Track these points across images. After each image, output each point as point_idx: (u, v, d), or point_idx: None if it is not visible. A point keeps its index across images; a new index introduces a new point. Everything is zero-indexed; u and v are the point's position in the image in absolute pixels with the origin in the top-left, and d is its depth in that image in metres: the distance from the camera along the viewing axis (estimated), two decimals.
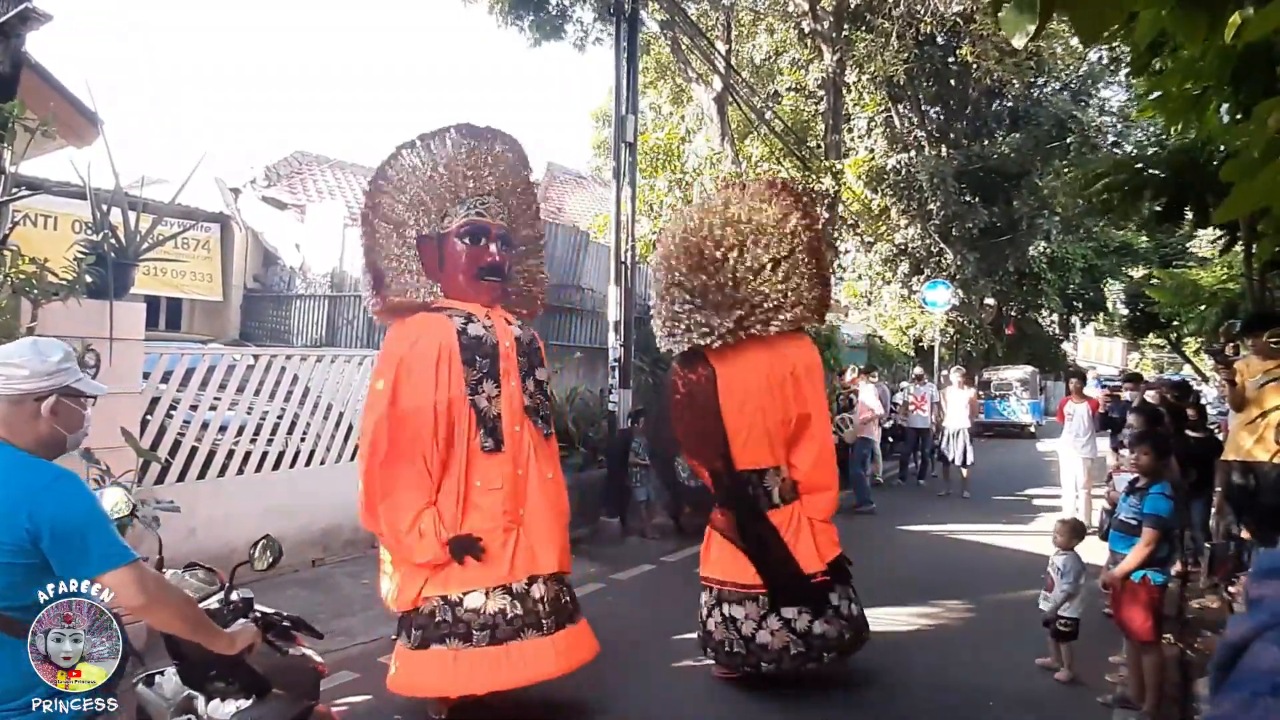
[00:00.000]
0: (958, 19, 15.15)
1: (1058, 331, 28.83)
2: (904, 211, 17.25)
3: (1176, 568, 4.54)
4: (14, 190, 4.79)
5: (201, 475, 5.43)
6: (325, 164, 15.50)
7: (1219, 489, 5.48)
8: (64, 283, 4.23)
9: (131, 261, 4.70)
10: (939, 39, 16.37)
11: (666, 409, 5.40)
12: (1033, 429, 20.79)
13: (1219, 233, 8.66)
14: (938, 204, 16.59)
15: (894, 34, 14.79)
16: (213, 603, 2.32)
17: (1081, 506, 8.77)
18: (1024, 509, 10.24)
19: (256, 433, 5.86)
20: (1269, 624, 0.87)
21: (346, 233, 11.98)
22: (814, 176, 14.08)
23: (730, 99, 13.71)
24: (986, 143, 18.42)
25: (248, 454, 5.75)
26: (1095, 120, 18.29)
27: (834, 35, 14.45)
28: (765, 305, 4.19)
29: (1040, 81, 18.82)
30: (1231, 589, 2.89)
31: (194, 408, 5.42)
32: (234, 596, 2.40)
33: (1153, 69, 5.06)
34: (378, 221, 3.68)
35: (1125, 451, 4.95)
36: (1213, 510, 5.90)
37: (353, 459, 6.50)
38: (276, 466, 5.93)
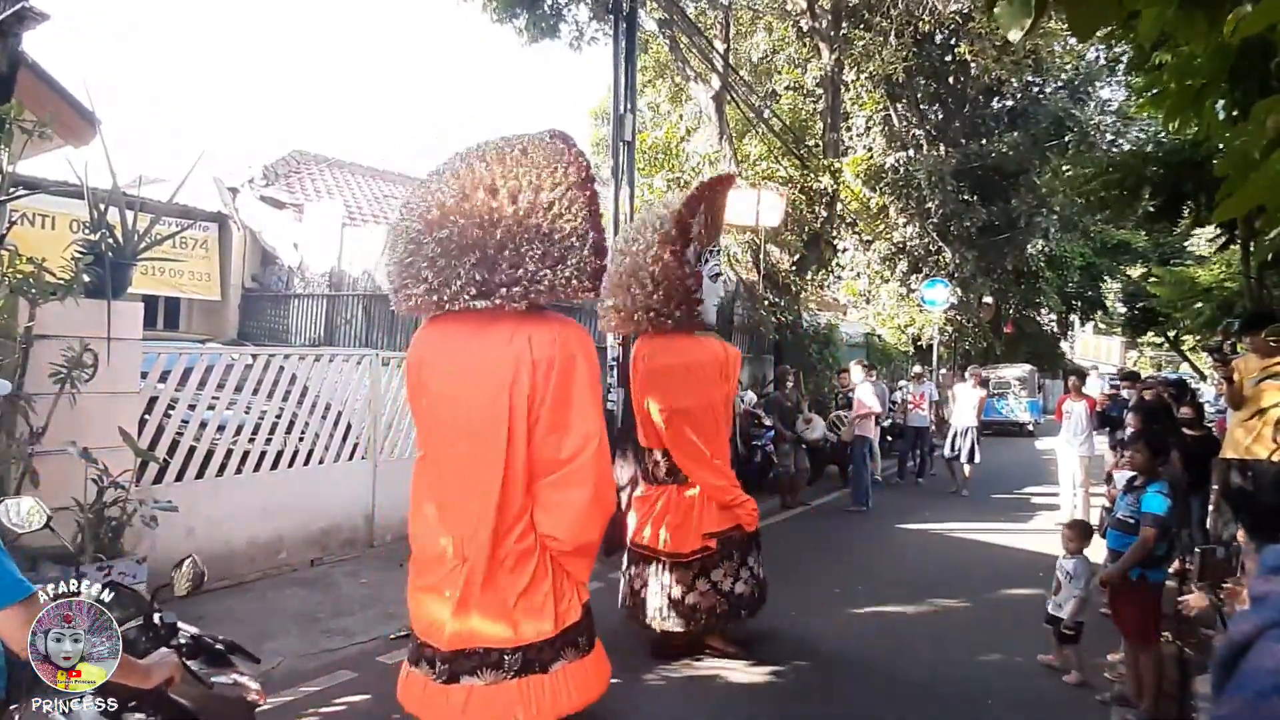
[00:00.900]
0: (956, 17, 15.15)
1: (1056, 330, 28.85)
2: (902, 210, 17.25)
3: (1174, 566, 4.54)
4: (11, 190, 4.78)
5: (200, 475, 5.42)
6: (323, 163, 15.50)
7: (1216, 487, 5.49)
8: (62, 282, 4.23)
9: (129, 261, 4.70)
10: (937, 37, 16.38)
11: None
12: (1031, 427, 20.82)
13: (1217, 231, 8.68)
14: (936, 202, 16.59)
15: (892, 32, 14.79)
16: (130, 629, 2.10)
17: (1079, 504, 8.78)
18: (1022, 507, 10.25)
19: (255, 432, 5.85)
20: (1274, 621, 0.86)
21: (345, 232, 11.98)
22: (812, 175, 14.07)
23: (728, 98, 13.69)
24: (985, 141, 18.41)
25: (246, 453, 5.74)
26: (1094, 119, 18.30)
27: (832, 34, 14.44)
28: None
29: (1038, 80, 18.81)
30: (1222, 593, 2.89)
31: (192, 407, 5.41)
32: (156, 620, 2.19)
33: (1151, 65, 5.07)
34: None
35: (1125, 450, 4.96)
36: (1210, 508, 5.92)
37: (351, 458, 6.51)
38: (275, 466, 5.92)
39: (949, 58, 16.98)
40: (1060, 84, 18.97)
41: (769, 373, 13.86)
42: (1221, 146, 4.63)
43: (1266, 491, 4.78)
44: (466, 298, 2.92)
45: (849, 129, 17.24)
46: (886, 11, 14.74)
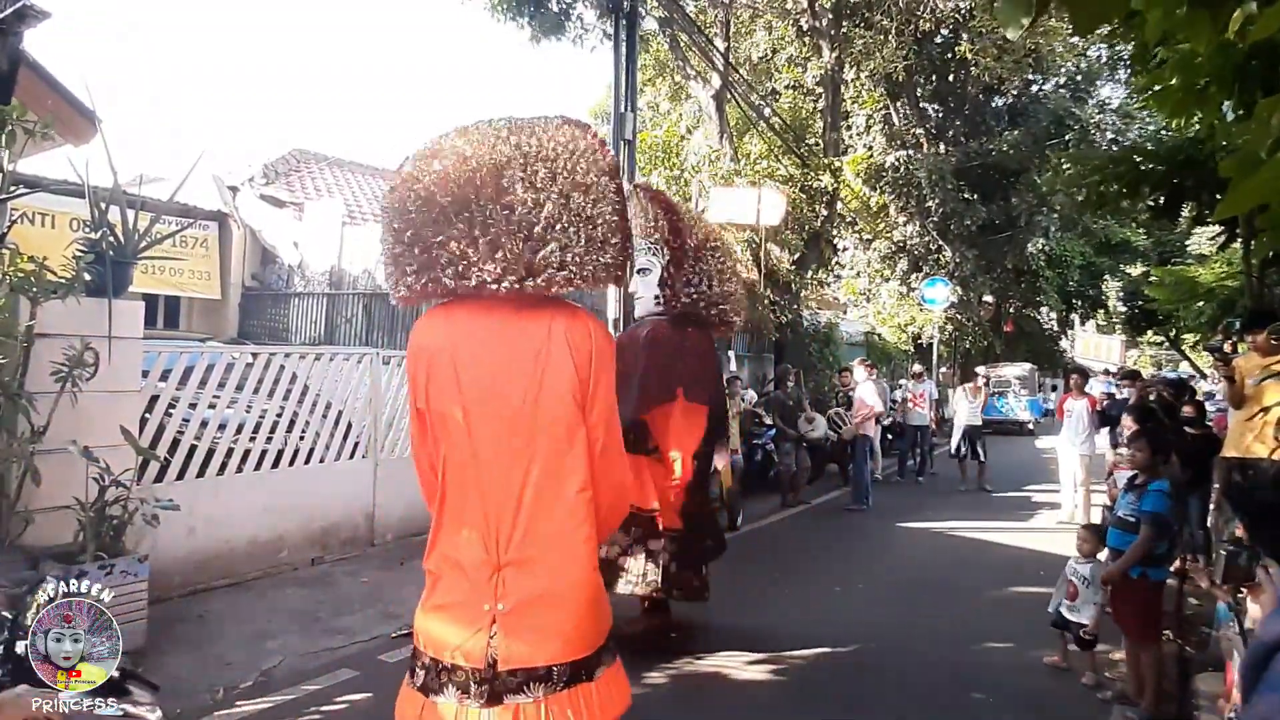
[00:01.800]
0: (956, 16, 15.14)
1: (1056, 329, 28.86)
2: (902, 209, 17.26)
3: (1175, 565, 4.54)
4: (12, 189, 4.78)
5: (201, 473, 5.42)
6: (323, 162, 15.49)
7: (1217, 485, 5.50)
8: (63, 281, 4.22)
9: (130, 260, 4.69)
10: (938, 36, 16.37)
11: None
12: (1031, 426, 20.83)
13: (1217, 229, 8.67)
14: (936, 201, 16.60)
15: (892, 31, 14.78)
16: None
17: (1080, 504, 8.79)
18: (1023, 506, 10.25)
19: (256, 431, 5.85)
20: None
21: (345, 231, 11.98)
22: (813, 174, 14.07)
23: (729, 96, 13.69)
24: (985, 140, 18.41)
25: (247, 452, 5.74)
26: (1094, 117, 18.31)
27: (832, 32, 14.44)
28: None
29: (1039, 78, 18.82)
30: (1240, 595, 2.89)
31: (193, 406, 5.41)
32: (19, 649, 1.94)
33: (1152, 62, 5.06)
34: None
35: (1123, 449, 4.96)
36: (1211, 506, 5.92)
37: (352, 457, 6.51)
38: (276, 465, 5.92)
39: (949, 56, 16.98)
40: (1061, 82, 18.98)
41: (769, 371, 13.87)
42: (1225, 144, 4.63)
43: (1266, 490, 4.78)
44: (510, 280, 2.61)
45: (849, 128, 17.24)
46: (887, 10, 14.74)
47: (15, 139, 4.12)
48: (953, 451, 11.53)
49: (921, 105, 18.85)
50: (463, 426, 2.77)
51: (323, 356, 6.56)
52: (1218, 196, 5.32)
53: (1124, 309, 28.82)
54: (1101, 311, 29.87)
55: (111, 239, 4.54)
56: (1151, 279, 18.28)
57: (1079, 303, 27.50)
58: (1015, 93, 18.84)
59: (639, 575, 4.58)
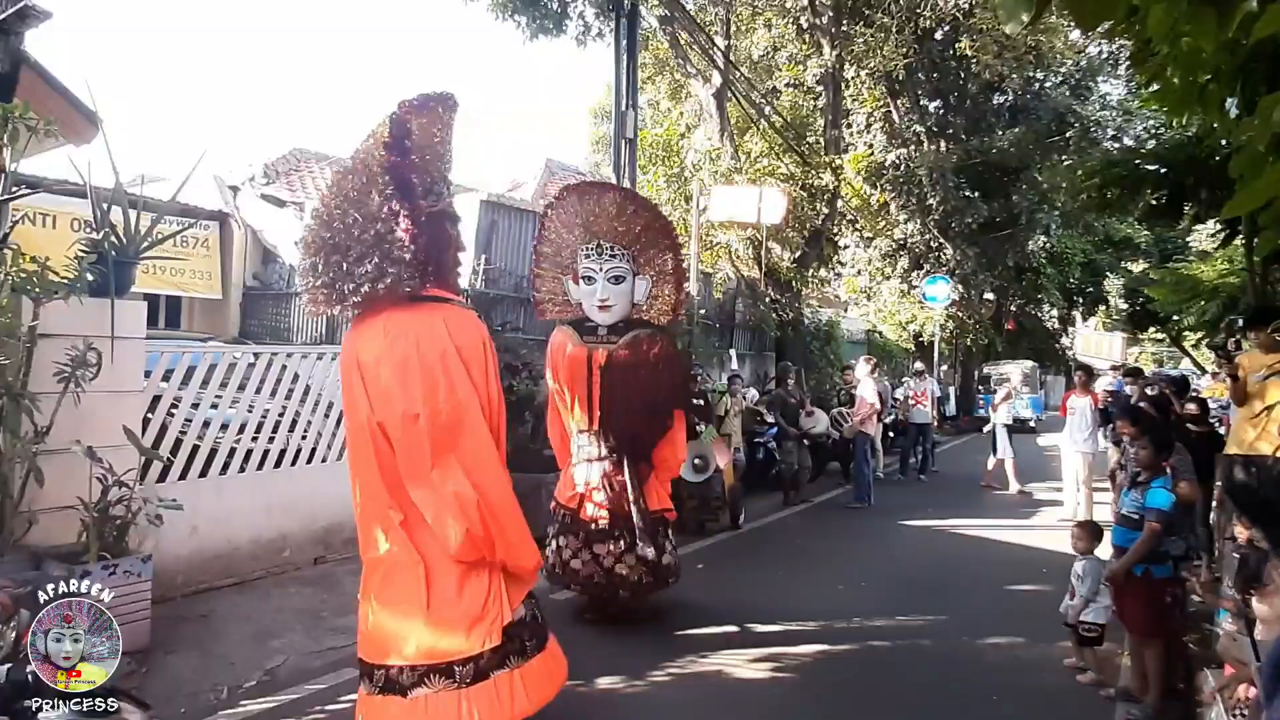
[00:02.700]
0: (957, 13, 15.11)
1: (1058, 326, 28.84)
2: (903, 206, 17.24)
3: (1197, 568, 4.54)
4: (14, 189, 4.78)
5: (203, 473, 5.42)
6: (324, 161, 15.47)
7: (1220, 483, 5.49)
8: (65, 281, 4.22)
9: (132, 260, 4.69)
10: (938, 33, 16.33)
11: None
12: (1033, 424, 20.81)
13: (1218, 226, 8.66)
14: (937, 199, 16.59)
15: (893, 29, 14.76)
16: None
17: (1083, 501, 8.78)
18: (1025, 504, 10.25)
19: (258, 430, 5.85)
20: None
21: None
22: (813, 172, 14.06)
23: (729, 94, 13.68)
24: (986, 137, 18.38)
25: (249, 452, 5.74)
26: (1095, 114, 18.27)
27: (833, 30, 14.42)
28: None
29: (1040, 76, 18.78)
30: (1252, 596, 2.90)
31: (195, 406, 5.41)
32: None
33: (1153, 60, 5.05)
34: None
35: (1125, 447, 4.95)
36: (1214, 504, 5.92)
37: None
38: (278, 464, 5.92)
39: (950, 53, 16.94)
40: (1061, 79, 18.94)
41: (770, 370, 13.87)
42: (1225, 144, 4.62)
43: (1270, 487, 4.78)
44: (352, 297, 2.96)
45: (850, 125, 17.22)
46: (887, 8, 14.71)
47: (18, 137, 4.11)
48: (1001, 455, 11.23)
49: (922, 103, 18.82)
50: (349, 435, 3.29)
51: (324, 356, 6.56)
52: (1219, 194, 5.32)
53: (1125, 306, 28.80)
54: (1103, 309, 29.84)
55: (114, 239, 4.55)
56: (1153, 277, 18.28)
57: (1080, 300, 27.48)
58: (1016, 90, 18.79)
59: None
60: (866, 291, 20.21)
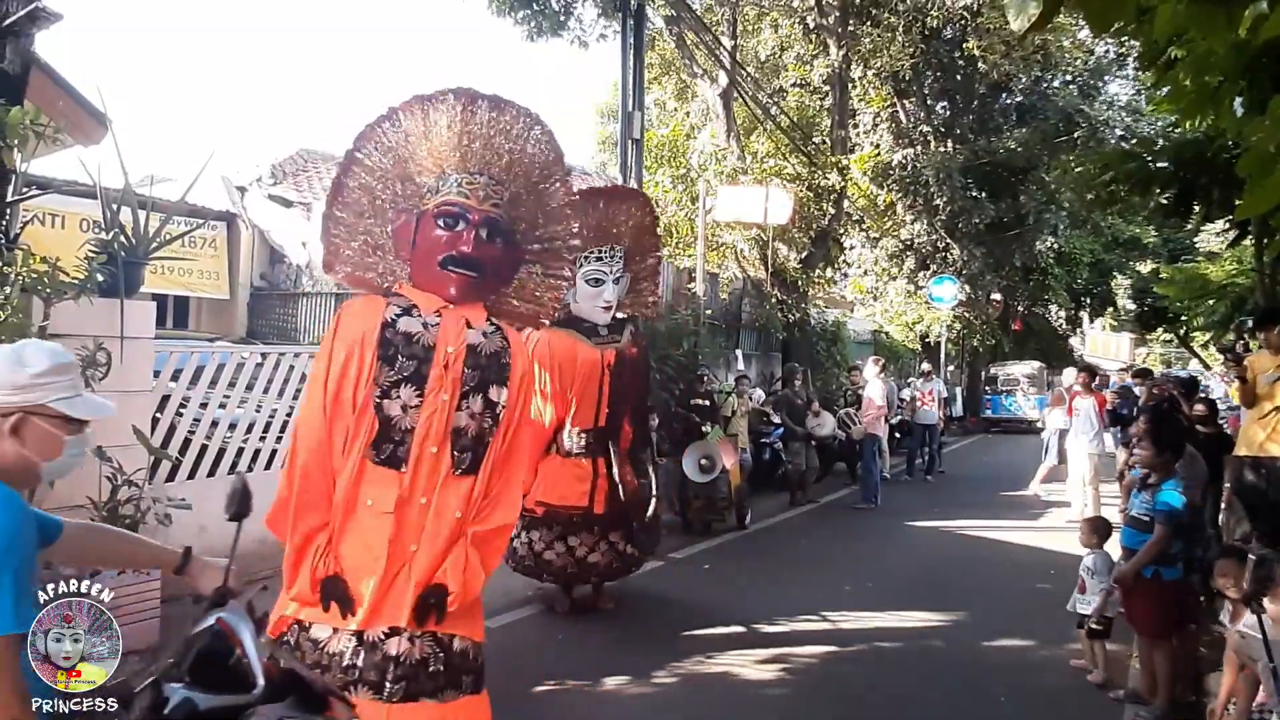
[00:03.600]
0: (965, 13, 15.08)
1: (1065, 326, 28.74)
2: (910, 207, 17.21)
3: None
4: (24, 190, 4.81)
5: (211, 473, 5.45)
6: (331, 161, 15.48)
7: (1229, 485, 5.46)
8: (76, 282, 4.25)
9: (142, 260, 4.72)
10: (946, 33, 16.30)
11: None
12: (1039, 424, 20.76)
13: (1226, 226, 8.63)
14: (944, 199, 16.54)
15: (900, 28, 14.73)
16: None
17: (1090, 502, 8.75)
18: (1032, 505, 10.21)
19: (265, 430, 5.87)
20: None
21: None
22: (820, 172, 14.04)
23: (735, 94, 13.67)
24: (993, 137, 18.34)
25: (257, 452, 5.77)
26: (1103, 114, 18.20)
27: (840, 30, 14.40)
28: None
29: (1047, 76, 18.73)
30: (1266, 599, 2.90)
31: (204, 405, 5.44)
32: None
33: (1163, 62, 5.02)
34: (353, 187, 3.16)
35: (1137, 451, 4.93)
36: (1223, 505, 5.88)
37: None
38: (286, 464, 5.94)
39: (957, 53, 16.91)
40: (1069, 79, 18.89)
41: (777, 370, 13.86)
42: (1234, 143, 4.60)
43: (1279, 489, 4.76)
44: None
45: (856, 125, 17.19)
46: (894, 7, 14.68)
47: (28, 142, 4.14)
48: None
49: (929, 103, 18.78)
50: None
51: None
52: (1229, 193, 5.29)
53: (1133, 307, 28.70)
54: (1111, 309, 29.74)
55: (123, 240, 4.57)
56: (1161, 277, 18.21)
57: (1088, 300, 27.39)
58: (1024, 90, 18.75)
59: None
60: (873, 292, 20.18)
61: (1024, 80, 17.64)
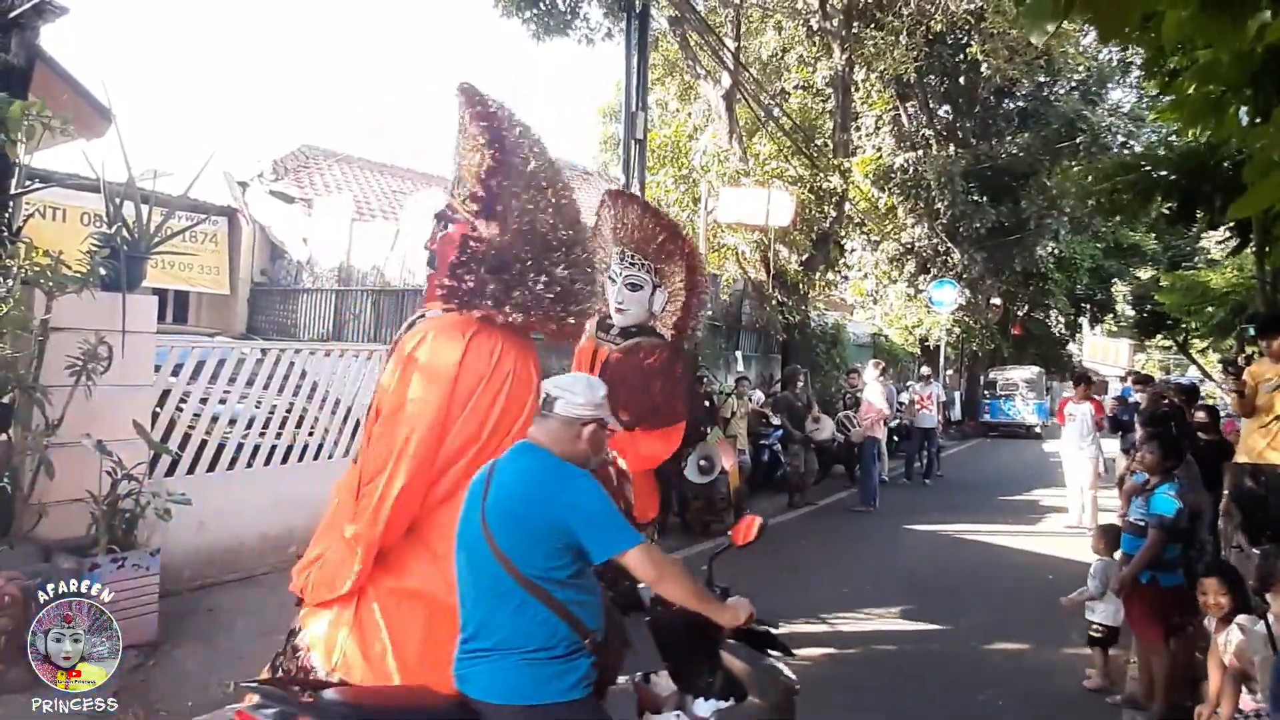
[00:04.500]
0: (968, 17, 15.08)
1: (1065, 332, 28.75)
2: (911, 210, 17.21)
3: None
4: (27, 183, 4.81)
5: (211, 468, 5.45)
6: (332, 158, 15.52)
7: (1227, 491, 5.47)
8: (78, 275, 4.24)
9: (143, 255, 4.72)
10: (949, 37, 16.30)
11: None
12: (1038, 430, 20.77)
13: (1227, 234, 8.62)
14: (945, 203, 16.54)
15: (904, 32, 14.73)
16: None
17: (1087, 508, 8.76)
18: (1030, 510, 10.23)
19: (265, 426, 5.87)
20: None
21: (354, 227, 12.00)
22: (821, 175, 14.04)
23: (738, 96, 13.67)
24: (995, 142, 18.35)
25: (256, 447, 5.76)
26: (1105, 121, 18.21)
27: (843, 33, 14.40)
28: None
29: (1050, 81, 18.73)
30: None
31: (203, 401, 5.43)
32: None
33: (1166, 70, 5.03)
34: None
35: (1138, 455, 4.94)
36: (1220, 512, 5.89)
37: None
38: (285, 460, 5.94)
39: (960, 57, 16.91)
40: (1072, 85, 18.90)
41: (776, 372, 13.86)
42: (1239, 151, 4.61)
43: (1278, 496, 4.77)
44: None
45: (859, 128, 17.19)
46: (898, 11, 14.69)
47: (34, 134, 4.14)
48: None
49: (931, 107, 18.79)
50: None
51: (331, 352, 6.59)
52: (1231, 202, 5.29)
53: (1133, 313, 28.70)
54: (1110, 315, 29.74)
55: (125, 234, 4.57)
56: (1162, 284, 18.21)
57: (1088, 306, 27.39)
58: (1026, 95, 18.75)
59: None
60: (873, 295, 20.18)
61: (1027, 85, 17.63)
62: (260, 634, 4.59)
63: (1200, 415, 6.30)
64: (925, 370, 13.88)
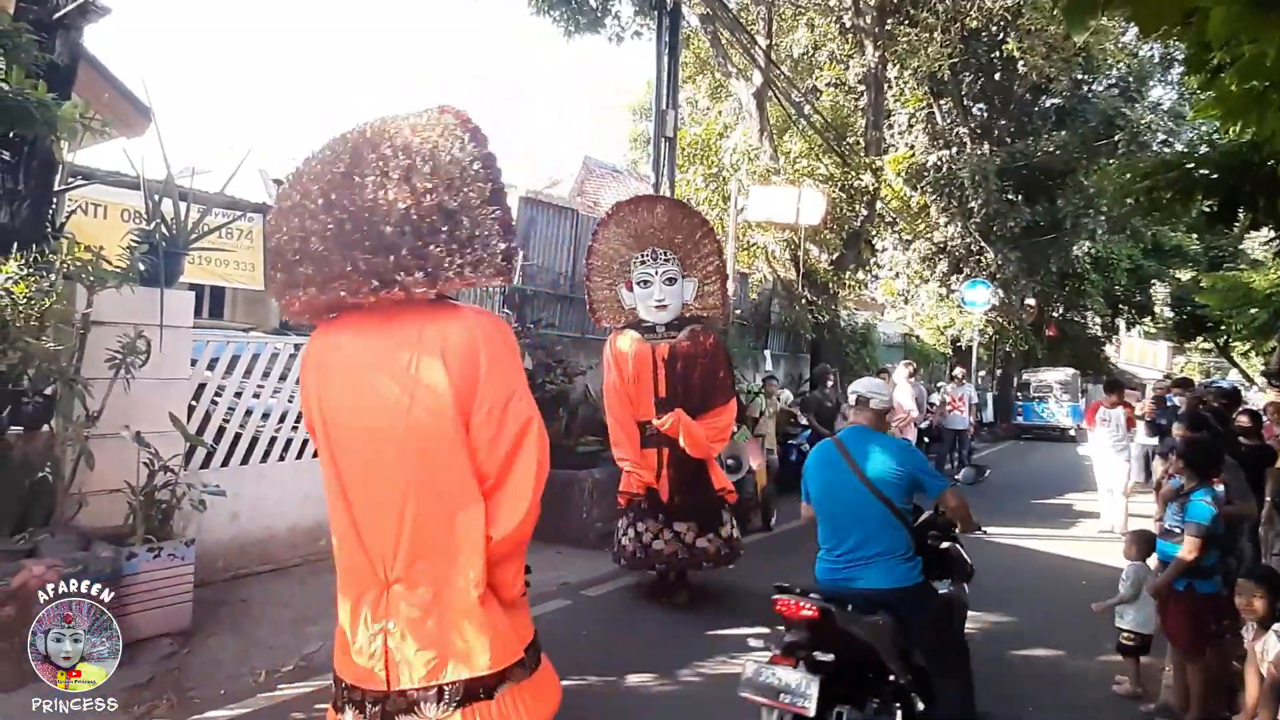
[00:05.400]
0: (1005, 13, 14.87)
1: (1101, 334, 28.22)
2: (944, 209, 17.01)
3: None
4: (70, 180, 4.92)
5: (245, 461, 5.54)
6: None
7: (1270, 498, 5.34)
8: (118, 270, 4.34)
9: (182, 250, 4.82)
10: (984, 34, 16.08)
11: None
12: (1072, 432, 20.41)
13: (1271, 234, 8.42)
14: (979, 202, 16.33)
15: (938, 28, 14.56)
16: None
17: (1119, 513, 8.60)
18: (1063, 514, 10.06)
19: (298, 420, 5.95)
20: None
21: None
22: (853, 173, 13.93)
23: (769, 94, 13.60)
24: (1031, 140, 18.04)
25: (289, 441, 5.85)
26: (1145, 118, 17.86)
27: (876, 30, 14.27)
28: None
29: (1088, 78, 18.39)
30: None
31: (238, 394, 5.53)
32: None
33: (1208, 67, 4.91)
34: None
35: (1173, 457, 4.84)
36: (1262, 519, 5.75)
37: None
38: (316, 454, 6.01)
39: (996, 54, 16.68)
40: (1111, 82, 18.54)
41: (805, 371, 13.78)
42: None
43: None
44: (366, 290, 2.48)
45: (891, 126, 17.03)
46: (932, 7, 14.52)
47: (76, 134, 4.23)
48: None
49: (966, 104, 18.54)
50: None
51: None
52: (1275, 201, 5.17)
53: (1172, 315, 28.10)
54: (1149, 317, 29.16)
55: (164, 230, 4.66)
56: (1202, 285, 17.81)
57: (1125, 307, 26.89)
58: (1064, 92, 18.39)
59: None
60: (904, 295, 19.97)
61: (1064, 83, 17.31)
62: (291, 624, 4.67)
63: (1243, 419, 6.15)
64: (959, 371, 13.70)
